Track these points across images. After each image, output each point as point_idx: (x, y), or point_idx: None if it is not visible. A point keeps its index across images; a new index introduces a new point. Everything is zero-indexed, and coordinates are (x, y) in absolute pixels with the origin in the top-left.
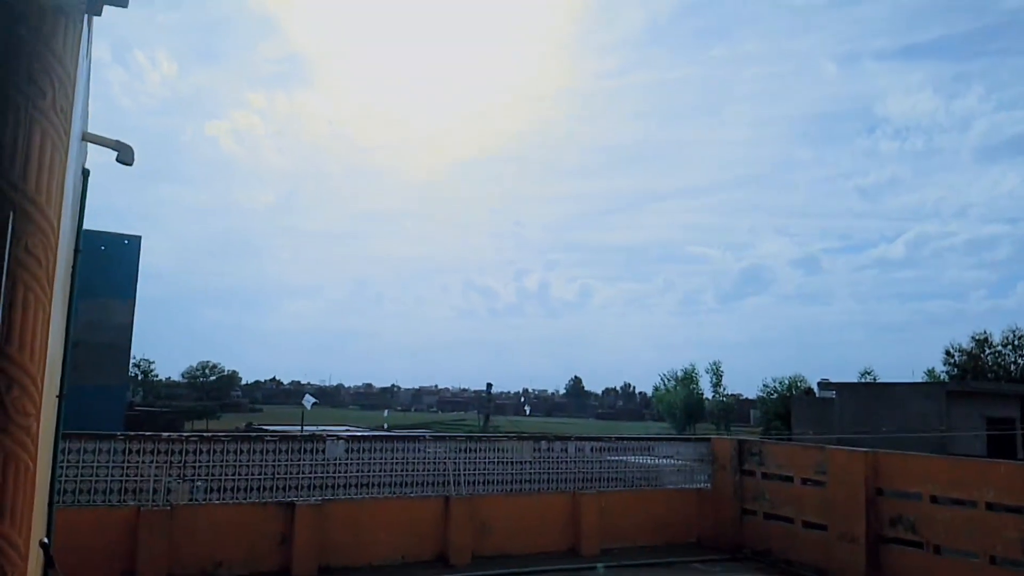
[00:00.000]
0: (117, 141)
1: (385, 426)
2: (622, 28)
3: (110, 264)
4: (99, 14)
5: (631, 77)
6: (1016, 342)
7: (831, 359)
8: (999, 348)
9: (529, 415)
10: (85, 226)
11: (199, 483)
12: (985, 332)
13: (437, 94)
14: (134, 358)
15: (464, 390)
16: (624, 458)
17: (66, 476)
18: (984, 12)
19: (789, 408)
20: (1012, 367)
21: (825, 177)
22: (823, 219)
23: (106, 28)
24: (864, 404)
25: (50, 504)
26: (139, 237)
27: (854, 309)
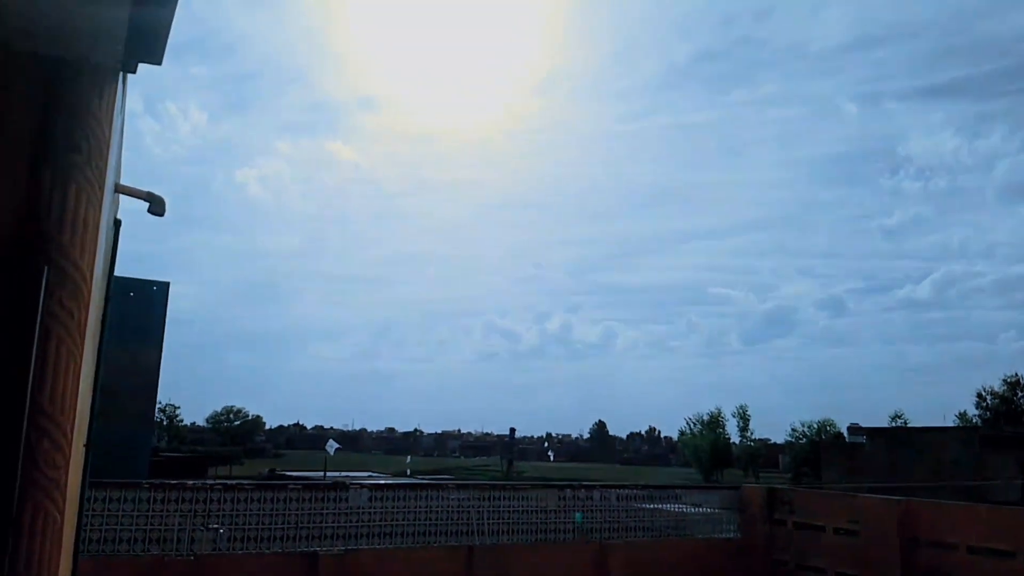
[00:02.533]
0: (149, 192)
1: (408, 472)
2: (641, 74)
3: (139, 310)
4: (134, 71)
5: (651, 121)
6: None
7: (860, 402)
8: None
9: (553, 461)
10: (115, 273)
11: (223, 531)
12: (1016, 375)
13: (460, 141)
14: (160, 403)
15: (487, 434)
16: (651, 506)
17: (91, 525)
18: (1005, 53)
19: (819, 454)
20: None
21: (849, 218)
22: (848, 260)
23: (139, 81)
24: (895, 450)
25: (75, 554)
26: (167, 283)
27: (882, 351)
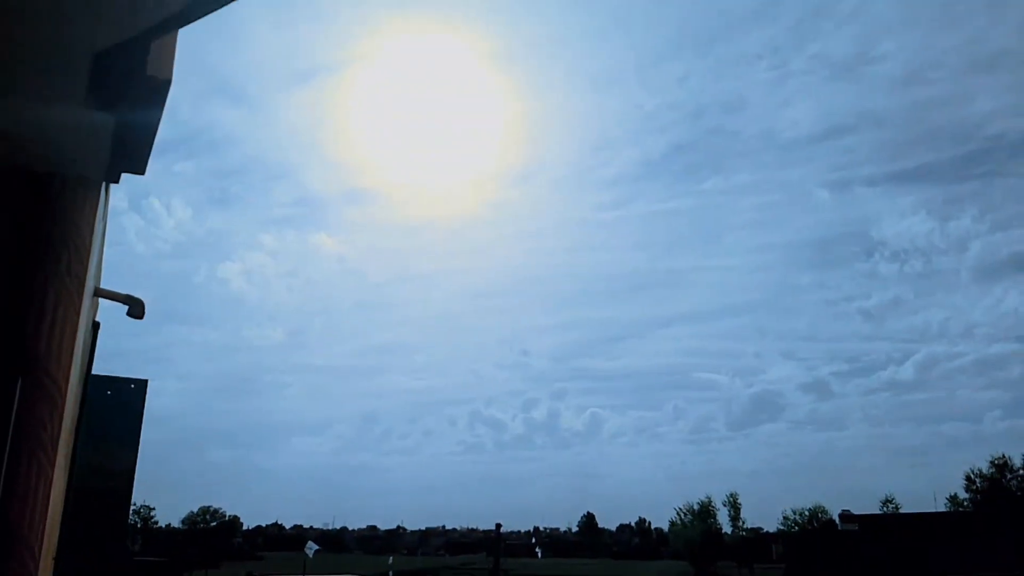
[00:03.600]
0: (128, 296)
1: (390, 574)
2: (619, 165)
3: (115, 409)
4: (117, 181)
5: (630, 209)
6: None
7: (850, 486)
8: (1021, 472)
9: (541, 557)
10: (93, 371)
11: None
12: (1003, 456)
13: (444, 230)
14: (134, 505)
15: (472, 530)
16: None
17: None
18: (968, 139)
19: (812, 542)
20: None
21: (828, 300)
22: (830, 343)
23: (123, 180)
24: (889, 537)
25: None
26: (146, 381)
27: (869, 433)
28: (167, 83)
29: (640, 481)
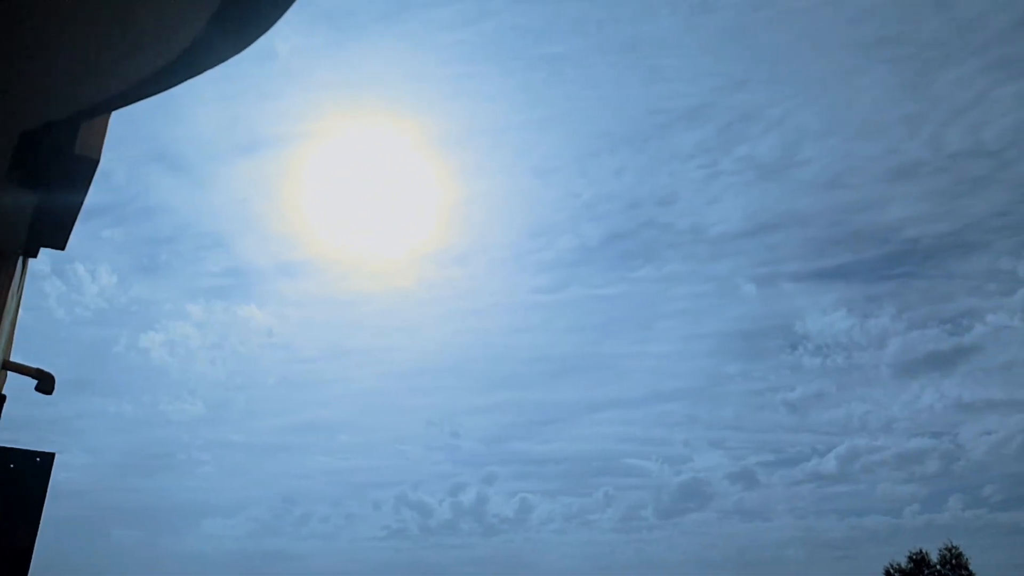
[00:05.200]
0: (38, 370)
1: None
2: (556, 250)
3: (17, 484)
4: (35, 256)
5: (566, 293)
6: (953, 561)
7: None
8: (937, 567)
9: None
10: None
11: None
12: (921, 551)
13: (377, 307)
14: None
15: None
16: None
17: None
18: (886, 242)
19: None
20: None
21: (754, 391)
22: (755, 433)
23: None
24: None
25: None
26: (52, 454)
27: (794, 525)
28: (95, 163)
29: (568, 571)
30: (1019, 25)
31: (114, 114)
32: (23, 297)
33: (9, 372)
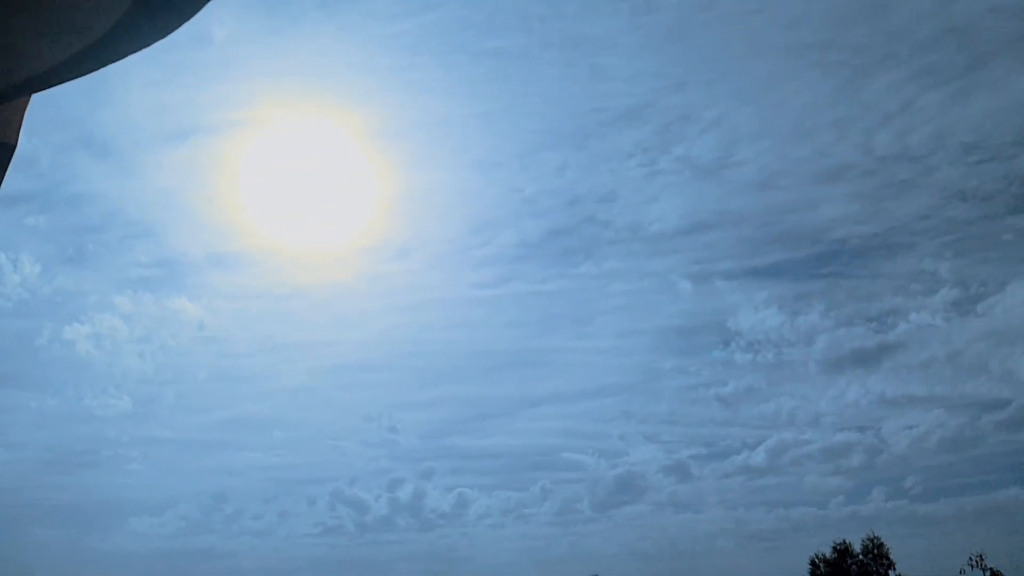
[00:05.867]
0: None
1: None
2: (497, 245)
3: None
4: None
5: (506, 288)
6: (875, 551)
7: (705, 569)
8: (860, 557)
9: None
10: None
11: None
12: (845, 541)
13: (314, 301)
14: None
15: None
16: None
17: None
18: (816, 242)
19: None
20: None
21: (688, 386)
22: (689, 427)
23: None
24: None
25: None
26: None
27: (724, 517)
28: (11, 148)
29: (505, 565)
30: (945, 34)
31: (37, 98)
32: None
33: None
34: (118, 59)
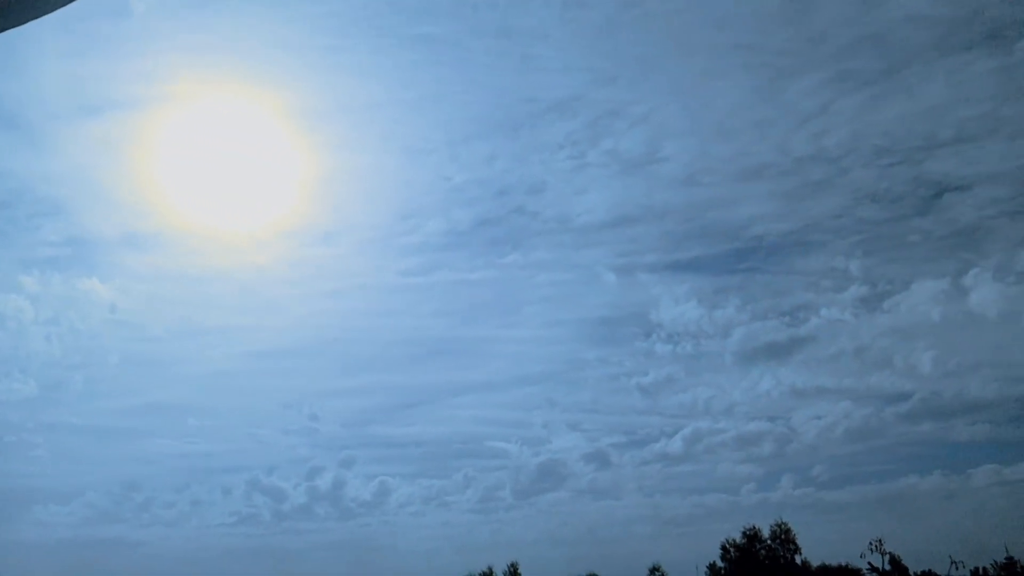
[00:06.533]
0: None
1: None
2: (425, 233)
3: None
4: None
5: (433, 276)
6: (783, 536)
7: (622, 555)
8: (768, 542)
9: None
10: None
11: None
12: (754, 526)
13: (234, 284)
14: None
15: None
16: None
17: None
18: (734, 238)
19: None
20: (782, 560)
21: (611, 375)
22: (610, 415)
23: None
24: None
25: None
26: None
27: (642, 503)
28: None
29: (425, 552)
30: (863, 40)
31: None
32: None
33: None
34: (22, 23)
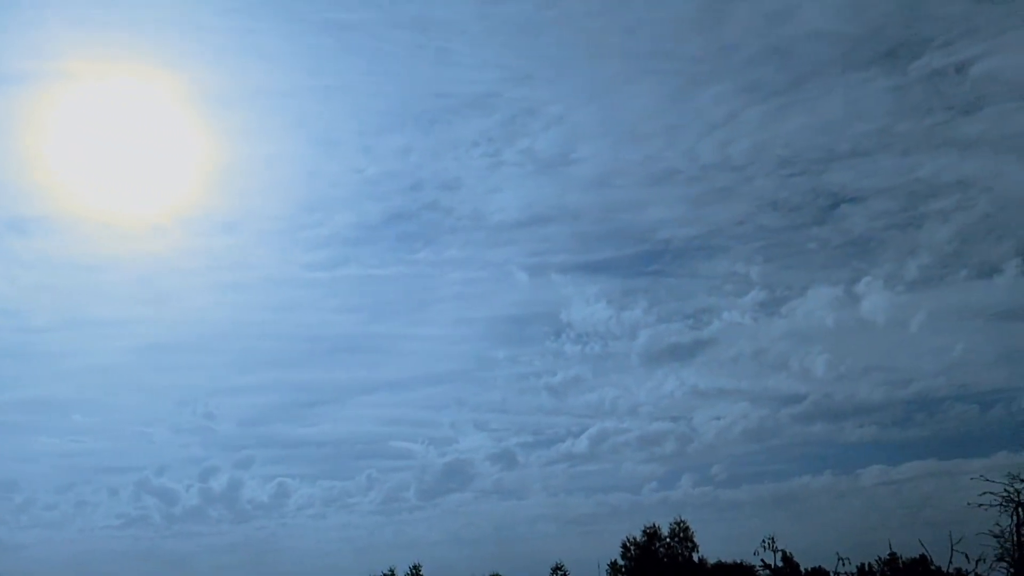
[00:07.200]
0: None
1: None
2: (334, 225)
3: None
4: None
5: (341, 271)
6: (681, 533)
7: (527, 554)
8: (667, 540)
9: None
10: None
11: None
12: (654, 524)
13: (127, 275)
14: None
15: None
16: None
17: None
18: (643, 241)
19: None
20: (680, 557)
21: (520, 375)
22: (518, 415)
23: None
24: None
25: None
26: None
27: (547, 502)
28: None
29: (324, 555)
30: (770, 53)
31: None
32: None
33: None
34: None
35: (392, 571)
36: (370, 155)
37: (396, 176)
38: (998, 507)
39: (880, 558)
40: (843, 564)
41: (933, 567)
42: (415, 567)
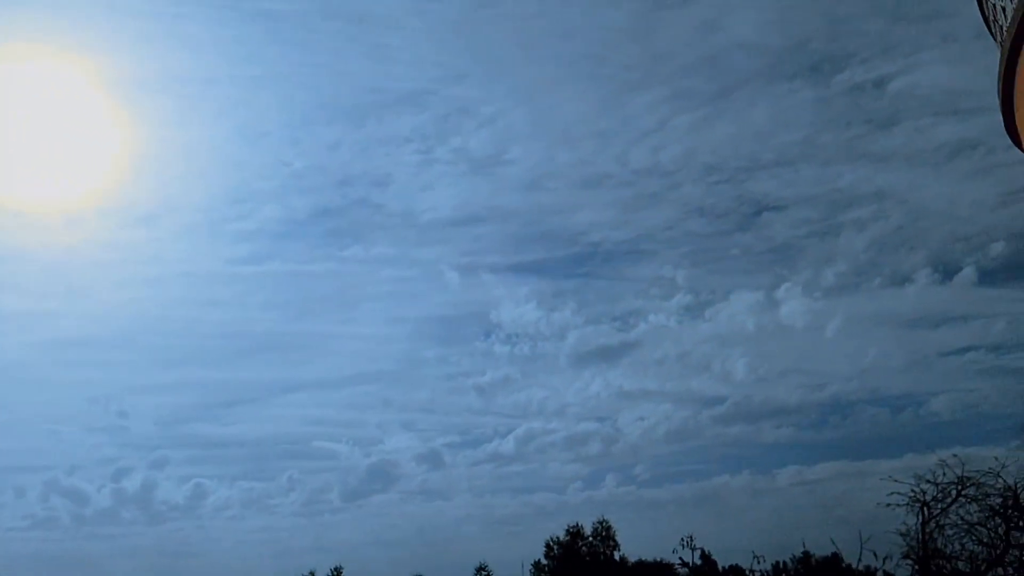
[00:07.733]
0: None
1: None
2: (258, 219)
3: None
4: None
5: (266, 267)
6: (604, 533)
7: (451, 555)
8: (590, 539)
9: None
10: None
11: None
12: (578, 524)
13: (37, 265)
14: None
15: None
16: None
17: None
18: (573, 243)
19: None
20: (602, 556)
21: (448, 375)
22: (445, 415)
23: None
24: None
25: None
26: None
27: (472, 503)
28: None
29: (242, 558)
30: (701, 62)
31: None
32: None
33: None
34: None
35: (312, 574)
36: (298, 148)
37: (325, 170)
38: (905, 506)
39: (794, 556)
40: (758, 562)
41: (844, 565)
42: (336, 569)
